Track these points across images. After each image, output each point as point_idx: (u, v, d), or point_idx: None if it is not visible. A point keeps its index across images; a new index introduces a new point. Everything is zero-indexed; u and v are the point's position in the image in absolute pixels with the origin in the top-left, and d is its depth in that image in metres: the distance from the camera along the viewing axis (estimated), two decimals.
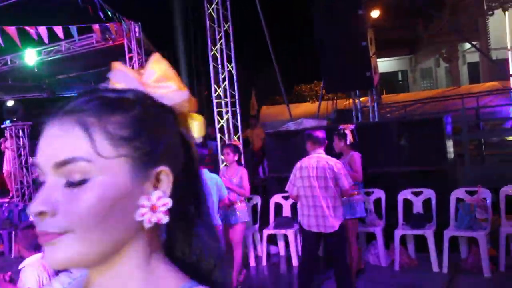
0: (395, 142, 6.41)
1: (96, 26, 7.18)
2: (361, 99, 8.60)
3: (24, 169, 10.31)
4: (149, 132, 0.71)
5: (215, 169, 8.63)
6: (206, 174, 4.76)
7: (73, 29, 6.63)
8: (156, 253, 0.74)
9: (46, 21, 6.59)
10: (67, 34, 7.54)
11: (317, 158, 4.49)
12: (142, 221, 0.70)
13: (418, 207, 5.84)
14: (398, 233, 5.64)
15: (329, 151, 4.83)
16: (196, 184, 0.81)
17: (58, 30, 6.39)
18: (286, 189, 4.72)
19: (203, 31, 7.82)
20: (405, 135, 6.39)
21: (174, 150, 0.75)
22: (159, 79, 0.75)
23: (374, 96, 8.17)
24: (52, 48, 8.67)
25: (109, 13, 6.72)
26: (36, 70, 9.16)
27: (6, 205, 9.47)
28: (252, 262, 6.49)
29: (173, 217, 0.74)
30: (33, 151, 0.81)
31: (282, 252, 6.66)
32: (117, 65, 0.76)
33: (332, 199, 4.43)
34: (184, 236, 0.79)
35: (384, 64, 19.24)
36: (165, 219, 0.71)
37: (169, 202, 0.71)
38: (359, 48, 7.32)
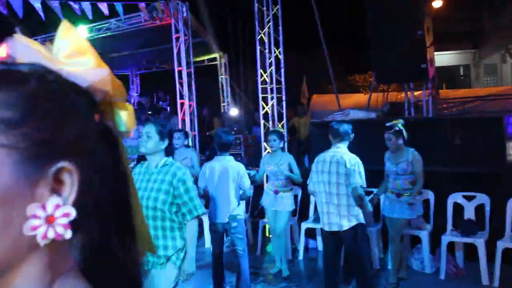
0: (449, 141, 5.93)
1: (142, 5, 7.08)
2: (415, 93, 8.08)
3: None
4: (46, 116, 0.53)
5: (257, 156, 8.50)
6: (227, 161, 4.53)
7: (119, 6, 6.53)
8: (65, 278, 0.55)
9: None
10: (114, 12, 7.49)
11: (333, 152, 4.21)
12: (36, 236, 0.51)
13: (469, 213, 5.38)
14: (445, 239, 5.22)
15: (365, 145, 4.50)
16: (121, 193, 0.58)
17: (103, 6, 6.31)
18: (307, 183, 4.46)
19: (251, 13, 7.53)
20: (460, 133, 5.89)
21: (85, 143, 0.55)
22: (72, 54, 0.58)
23: (429, 90, 7.64)
24: (102, 26, 8.71)
25: None
26: None
27: None
28: (289, 255, 6.28)
29: (84, 233, 0.55)
30: None
31: (320, 247, 6.39)
32: (17, 37, 0.59)
33: (344, 196, 4.13)
34: (102, 261, 0.57)
35: (445, 58, 18.28)
36: (67, 234, 0.53)
37: (71, 213, 0.53)
38: (414, 38, 6.83)
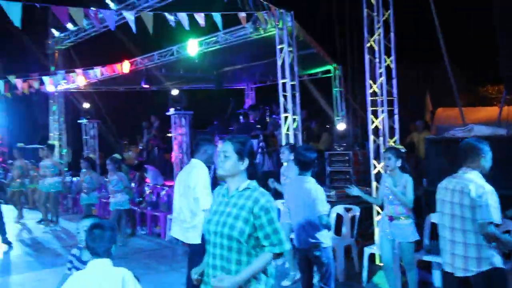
0: None
1: (242, 15, 6.90)
2: None
3: (184, 156, 10.76)
4: None
5: (366, 174, 7.84)
6: (304, 182, 4.03)
7: (217, 16, 6.42)
8: None
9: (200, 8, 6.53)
10: (226, 24, 7.42)
11: (459, 177, 3.47)
12: None
13: None
14: None
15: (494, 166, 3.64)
16: None
17: (200, 17, 6.24)
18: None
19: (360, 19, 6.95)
20: None
21: None
22: None
23: None
24: (211, 39, 8.77)
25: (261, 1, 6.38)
26: (196, 61, 9.40)
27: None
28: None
29: None
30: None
31: (438, 283, 5.59)
32: None
33: (472, 234, 3.33)
34: None
35: None
36: None
37: None
38: None
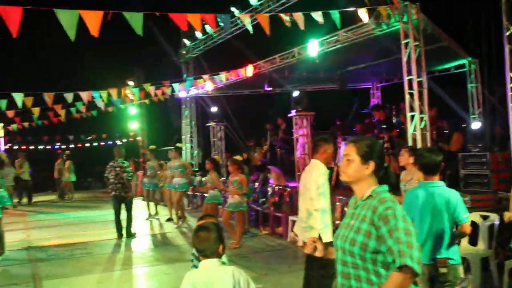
0: None
1: (362, 11, 6.60)
2: None
3: (306, 156, 10.70)
4: None
5: (509, 178, 7.02)
6: (433, 187, 3.59)
7: (335, 14, 6.21)
8: None
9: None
10: (345, 23, 7.22)
11: None
12: None
13: None
14: None
15: None
16: None
17: (318, 15, 6.08)
18: None
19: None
20: None
21: None
22: None
23: None
24: (332, 38, 8.58)
25: None
26: (317, 61, 9.26)
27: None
28: None
29: None
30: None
31: None
32: None
33: None
34: None
35: None
36: None
37: None
38: None
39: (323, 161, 4.55)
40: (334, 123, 12.88)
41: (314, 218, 4.40)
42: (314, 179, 4.43)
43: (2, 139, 23.86)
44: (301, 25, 5.79)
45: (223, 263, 3.02)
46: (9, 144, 24.26)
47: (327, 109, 13.25)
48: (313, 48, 8.91)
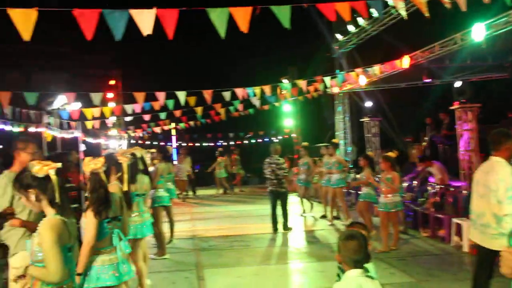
0: None
1: None
2: None
3: (472, 153, 9.70)
4: None
5: None
6: None
7: None
8: None
9: None
10: None
11: None
12: None
13: None
14: None
15: None
16: None
17: None
18: None
19: None
20: None
21: None
22: None
23: None
24: (501, 20, 7.62)
25: None
26: (484, 47, 8.33)
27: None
28: None
29: None
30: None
31: None
32: None
33: None
34: None
35: None
36: None
37: None
38: None
39: (506, 158, 4.21)
40: (505, 117, 11.52)
41: (506, 224, 4.04)
42: (502, 179, 4.09)
43: (174, 138, 26.48)
44: (463, 6, 5.19)
45: (368, 275, 2.84)
46: (179, 142, 26.80)
47: (495, 101, 11.88)
48: (479, 32, 8.01)
